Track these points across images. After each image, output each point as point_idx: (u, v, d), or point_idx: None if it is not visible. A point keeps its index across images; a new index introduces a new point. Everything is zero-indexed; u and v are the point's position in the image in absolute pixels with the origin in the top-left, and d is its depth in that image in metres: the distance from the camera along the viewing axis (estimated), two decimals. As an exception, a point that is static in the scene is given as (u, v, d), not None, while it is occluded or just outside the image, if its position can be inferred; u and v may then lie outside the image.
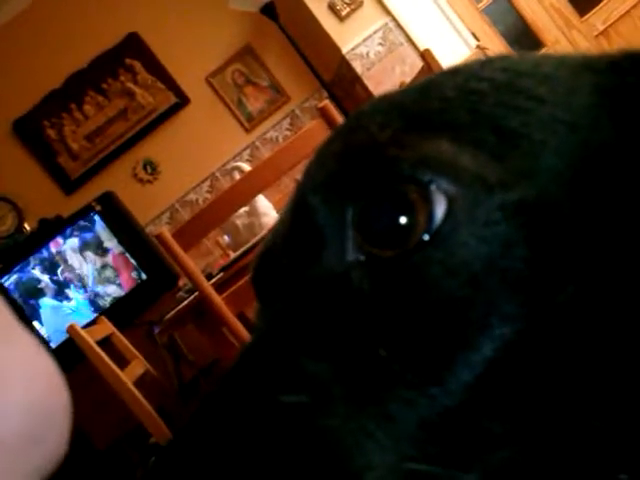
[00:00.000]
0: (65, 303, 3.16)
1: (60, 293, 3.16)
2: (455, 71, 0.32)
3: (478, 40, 3.14)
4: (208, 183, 3.43)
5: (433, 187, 0.27)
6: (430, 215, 0.26)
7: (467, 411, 0.25)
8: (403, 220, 0.27)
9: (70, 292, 3.16)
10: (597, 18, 3.16)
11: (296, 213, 0.31)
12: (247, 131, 3.47)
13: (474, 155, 0.27)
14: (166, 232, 1.33)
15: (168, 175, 3.43)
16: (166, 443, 0.29)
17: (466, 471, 0.25)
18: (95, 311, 3.10)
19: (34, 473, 0.18)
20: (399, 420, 0.25)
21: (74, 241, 3.14)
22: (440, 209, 0.26)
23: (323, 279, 0.29)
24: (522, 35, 3.20)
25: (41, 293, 3.14)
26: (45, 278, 3.13)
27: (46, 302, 3.14)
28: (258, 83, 3.48)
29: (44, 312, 3.14)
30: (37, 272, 3.12)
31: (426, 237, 0.26)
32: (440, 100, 0.30)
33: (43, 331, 3.09)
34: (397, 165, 0.27)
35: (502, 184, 0.26)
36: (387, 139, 0.28)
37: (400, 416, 0.25)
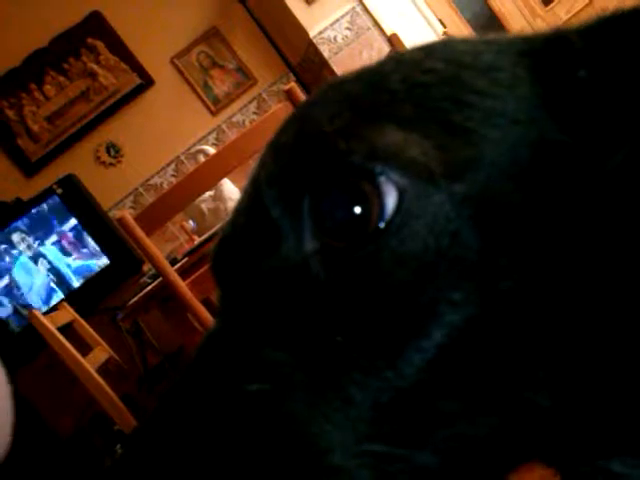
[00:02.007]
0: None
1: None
2: (400, 60, 0.33)
3: (445, 27, 3.15)
4: (173, 167, 3.38)
5: (383, 178, 0.28)
6: (382, 206, 0.28)
7: (419, 392, 0.27)
8: (357, 210, 0.28)
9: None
10: (561, 8, 3.21)
11: (253, 206, 0.32)
12: (213, 114, 3.42)
13: (421, 147, 0.28)
14: (128, 216, 1.30)
15: (132, 158, 3.36)
16: (132, 433, 0.30)
17: (419, 449, 0.27)
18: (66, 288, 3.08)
19: None
20: (356, 403, 0.27)
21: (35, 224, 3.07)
22: (391, 200, 0.28)
23: (282, 269, 0.30)
24: (488, 23, 3.23)
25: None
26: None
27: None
28: (224, 66, 3.43)
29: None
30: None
31: (381, 225, 0.28)
32: (387, 92, 0.30)
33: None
34: (349, 157, 0.28)
35: (448, 176, 0.27)
36: (337, 130, 0.29)
37: (357, 399, 0.27)
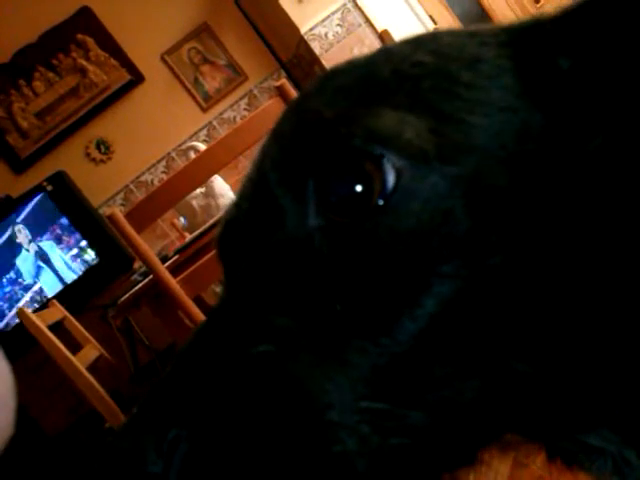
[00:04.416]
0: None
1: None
2: (390, 53, 0.35)
3: (436, 23, 3.15)
4: (164, 163, 3.37)
5: (385, 159, 0.30)
6: (384, 183, 0.30)
7: (412, 356, 0.29)
8: (360, 189, 0.30)
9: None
10: (551, 4, 3.22)
11: (257, 189, 0.35)
12: (204, 111, 3.41)
13: (417, 130, 0.30)
14: (118, 212, 1.30)
15: (122, 155, 3.35)
16: (152, 386, 0.32)
17: (413, 409, 0.29)
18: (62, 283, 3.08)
19: None
20: (355, 366, 0.29)
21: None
22: (391, 178, 0.30)
23: (287, 243, 0.32)
24: (479, 19, 3.23)
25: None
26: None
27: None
28: (215, 62, 3.42)
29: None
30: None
31: (381, 202, 0.30)
32: (379, 83, 0.33)
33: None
34: (350, 140, 0.31)
35: (441, 159, 0.30)
36: (337, 116, 0.32)
37: (355, 362, 0.29)
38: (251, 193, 0.36)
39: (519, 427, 0.33)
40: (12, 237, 3.06)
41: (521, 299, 0.30)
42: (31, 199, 3.05)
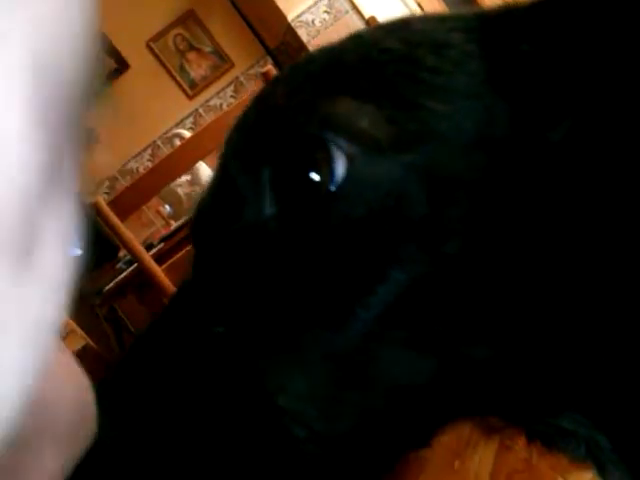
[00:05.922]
0: None
1: None
2: (360, 38, 0.35)
3: (423, 10, 3.14)
4: (149, 152, 3.34)
5: (334, 146, 0.30)
6: (332, 171, 0.30)
7: (366, 342, 0.29)
8: (311, 176, 0.31)
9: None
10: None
11: (221, 176, 0.35)
12: (190, 98, 3.38)
13: (372, 119, 0.30)
14: (101, 201, 1.29)
15: (107, 143, 3.32)
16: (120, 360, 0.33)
17: (367, 392, 0.30)
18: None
19: (74, 459, 0.20)
20: (307, 352, 0.30)
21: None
22: (341, 166, 0.30)
23: (245, 231, 0.33)
24: (466, 6, 3.23)
25: None
26: None
27: None
28: (201, 49, 3.39)
29: None
30: None
31: (332, 189, 0.30)
32: (345, 69, 0.33)
33: None
34: (304, 127, 0.31)
35: (396, 147, 0.30)
36: (295, 104, 0.32)
37: (308, 348, 0.30)
38: (217, 179, 0.36)
39: (494, 410, 0.34)
40: None
41: (480, 284, 0.30)
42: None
